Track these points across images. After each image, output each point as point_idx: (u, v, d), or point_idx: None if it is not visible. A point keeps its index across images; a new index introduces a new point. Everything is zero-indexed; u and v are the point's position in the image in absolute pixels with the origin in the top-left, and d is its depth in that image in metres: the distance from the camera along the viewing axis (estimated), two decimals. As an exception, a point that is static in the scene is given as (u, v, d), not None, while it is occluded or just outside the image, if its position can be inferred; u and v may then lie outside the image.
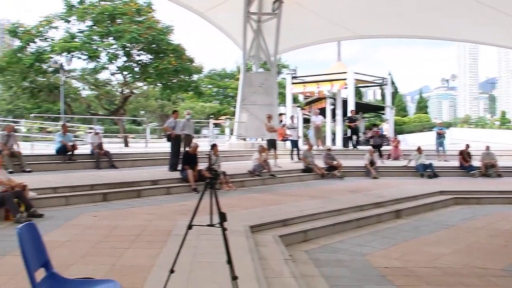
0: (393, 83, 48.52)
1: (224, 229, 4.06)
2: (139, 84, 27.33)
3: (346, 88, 27.42)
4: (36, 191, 8.97)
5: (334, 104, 29.79)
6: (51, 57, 22.75)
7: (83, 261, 5.35)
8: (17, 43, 23.99)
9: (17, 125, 23.26)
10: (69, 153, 14.01)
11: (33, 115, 29.94)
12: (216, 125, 31.53)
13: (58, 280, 3.09)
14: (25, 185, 8.37)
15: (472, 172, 16.30)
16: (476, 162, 16.93)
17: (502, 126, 61.90)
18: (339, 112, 28.52)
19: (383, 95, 36.40)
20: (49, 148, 16.41)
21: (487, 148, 17.32)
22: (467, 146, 17.59)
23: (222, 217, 4.08)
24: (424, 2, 20.04)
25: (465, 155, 17.16)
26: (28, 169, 12.49)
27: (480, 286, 5.70)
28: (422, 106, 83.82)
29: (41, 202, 8.68)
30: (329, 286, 5.46)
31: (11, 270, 4.85)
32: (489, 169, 16.34)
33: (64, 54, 22.90)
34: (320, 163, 15.78)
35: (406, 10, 21.10)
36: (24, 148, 14.34)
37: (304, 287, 5.00)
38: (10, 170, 11.49)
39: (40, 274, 2.98)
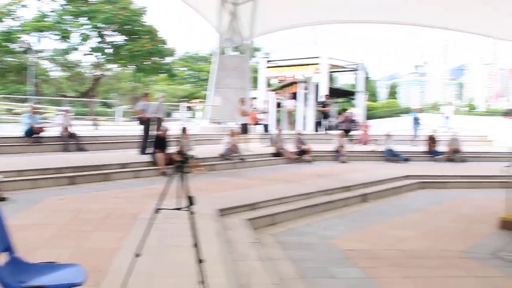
0: (365, 69, 48.98)
1: (191, 213, 4.08)
2: (111, 66, 26.80)
3: (318, 73, 27.47)
4: (2, 174, 8.80)
5: (307, 89, 29.86)
6: (19, 37, 22.08)
7: (49, 244, 5.31)
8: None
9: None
10: (36, 135, 13.72)
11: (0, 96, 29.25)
12: (188, 108, 31.24)
13: (20, 265, 3.06)
14: (-10, 167, 8.20)
15: (437, 157, 16.72)
16: (443, 148, 17.36)
17: (470, 112, 63.31)
18: (311, 96, 28.61)
19: (355, 80, 36.64)
20: (17, 130, 16.04)
21: (453, 134, 17.82)
22: (434, 131, 18.02)
23: (190, 200, 4.09)
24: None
25: (432, 140, 17.55)
26: (-7, 151, 12.19)
27: (441, 267, 5.90)
28: (392, 92, 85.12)
29: (6, 185, 8.52)
30: (294, 268, 5.58)
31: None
32: (454, 154, 16.78)
33: (35, 34, 22.24)
34: (290, 147, 15.89)
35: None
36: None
37: (270, 269, 5.10)
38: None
39: (4, 258, 2.96)
